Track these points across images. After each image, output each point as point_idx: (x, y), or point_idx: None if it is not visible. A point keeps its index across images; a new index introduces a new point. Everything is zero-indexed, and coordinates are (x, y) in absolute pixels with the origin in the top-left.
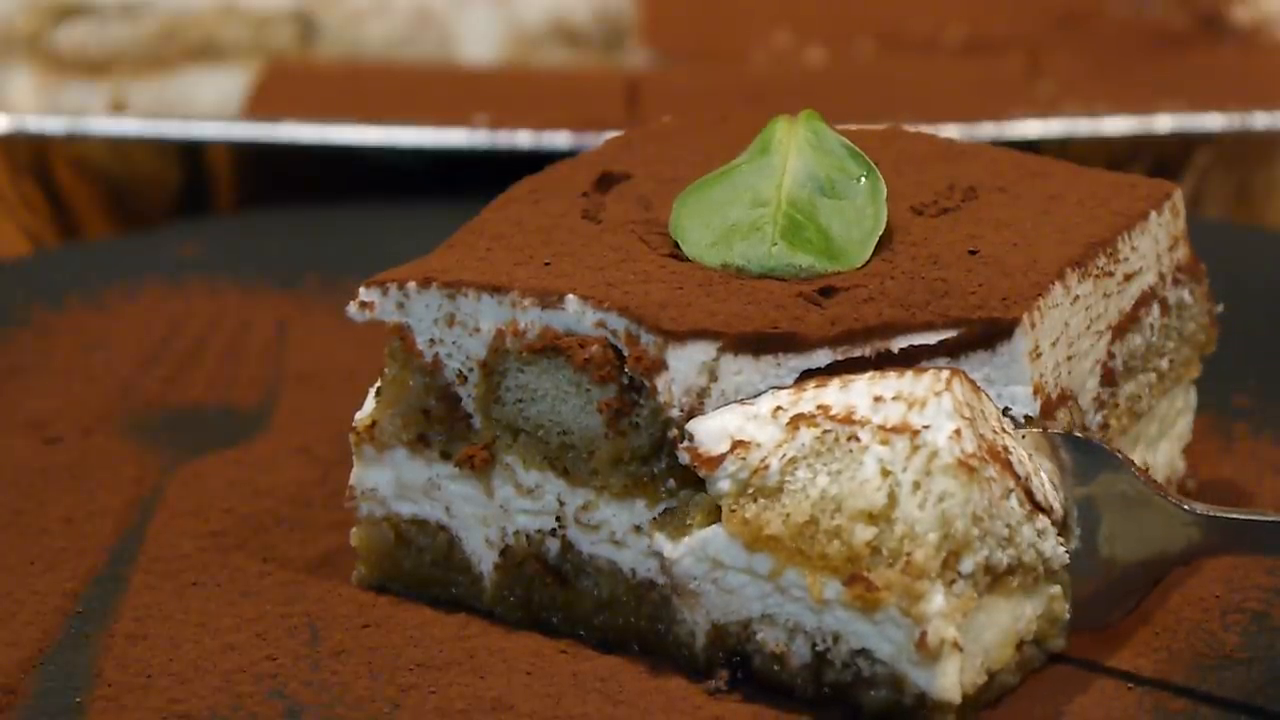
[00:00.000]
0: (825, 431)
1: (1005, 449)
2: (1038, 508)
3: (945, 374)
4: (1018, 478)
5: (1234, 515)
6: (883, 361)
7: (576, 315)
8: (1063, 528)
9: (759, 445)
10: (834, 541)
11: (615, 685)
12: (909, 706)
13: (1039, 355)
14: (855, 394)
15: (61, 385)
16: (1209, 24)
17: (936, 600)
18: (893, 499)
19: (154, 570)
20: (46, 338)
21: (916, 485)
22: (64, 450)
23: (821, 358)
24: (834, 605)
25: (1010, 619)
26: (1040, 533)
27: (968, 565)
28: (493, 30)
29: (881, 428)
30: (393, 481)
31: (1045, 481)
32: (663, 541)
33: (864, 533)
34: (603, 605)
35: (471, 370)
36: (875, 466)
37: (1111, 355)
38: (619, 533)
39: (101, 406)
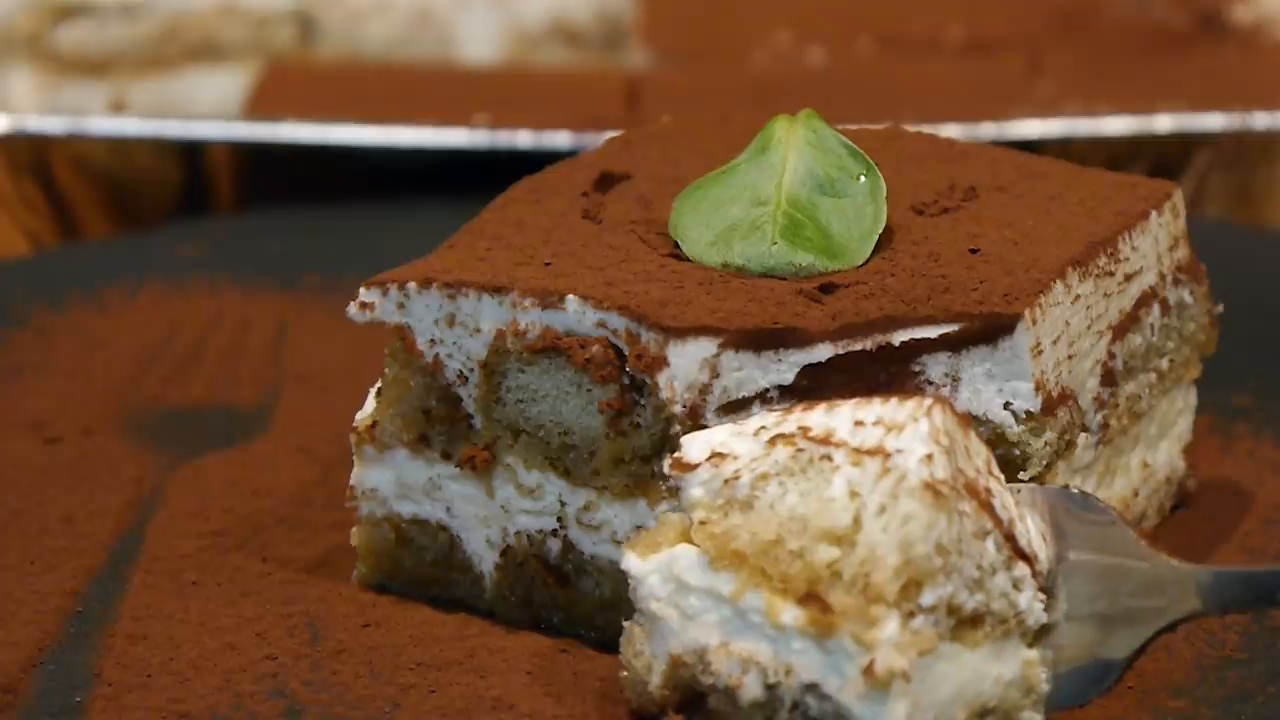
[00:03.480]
0: (800, 450)
1: (987, 490)
2: (1020, 554)
3: (928, 402)
4: (998, 520)
5: (1231, 570)
6: (883, 356)
7: (577, 315)
8: (1047, 591)
9: (735, 458)
10: (796, 562)
11: (615, 685)
12: None
13: (1040, 352)
14: (837, 417)
15: (61, 385)
16: (1209, 24)
17: (890, 628)
18: (857, 521)
19: (154, 570)
20: (46, 338)
21: (882, 508)
22: (64, 450)
23: (822, 352)
24: (790, 632)
25: (973, 676)
26: (1016, 583)
27: (928, 598)
28: (493, 30)
29: (856, 450)
30: (393, 481)
31: (1032, 529)
32: (632, 560)
33: (826, 553)
34: (604, 605)
35: (472, 370)
36: (844, 487)
37: (1112, 355)
38: (620, 533)
39: (101, 406)
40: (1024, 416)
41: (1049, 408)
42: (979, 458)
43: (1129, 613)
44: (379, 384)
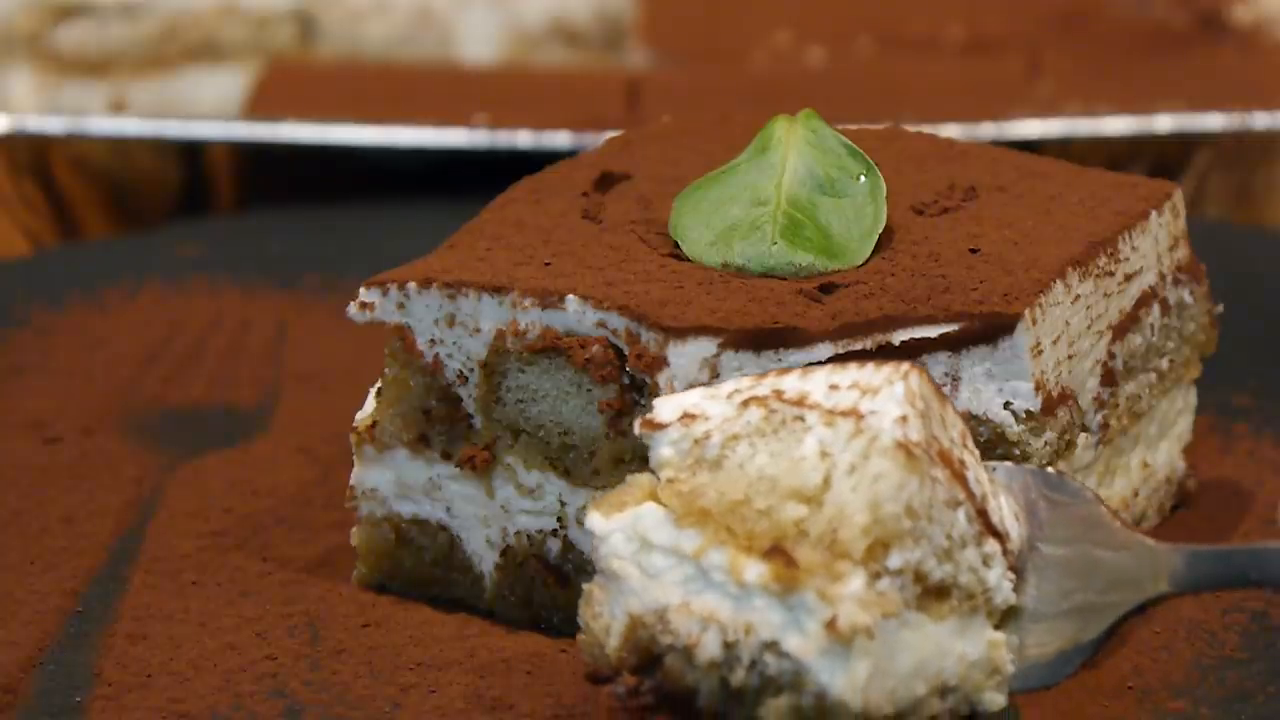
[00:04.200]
0: (772, 412)
1: (961, 462)
2: (991, 531)
3: (904, 366)
4: (971, 494)
5: (1204, 549)
6: (883, 355)
7: (577, 315)
8: (1017, 572)
9: (707, 418)
10: (763, 520)
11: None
12: (807, 711)
13: (1040, 352)
14: (812, 382)
15: (61, 385)
16: (1209, 24)
17: (855, 584)
18: (827, 481)
19: (154, 570)
20: (46, 338)
21: (853, 468)
22: (64, 450)
23: (822, 351)
24: (752, 589)
25: (936, 650)
26: (986, 559)
27: (895, 560)
28: (493, 30)
29: (830, 412)
30: (393, 481)
31: (1005, 508)
32: (595, 519)
33: (793, 511)
34: None
35: (472, 370)
36: (815, 447)
37: (1112, 355)
38: None
39: (101, 406)
40: (1024, 416)
41: (1049, 408)
42: (954, 429)
43: (1100, 605)
44: (379, 384)
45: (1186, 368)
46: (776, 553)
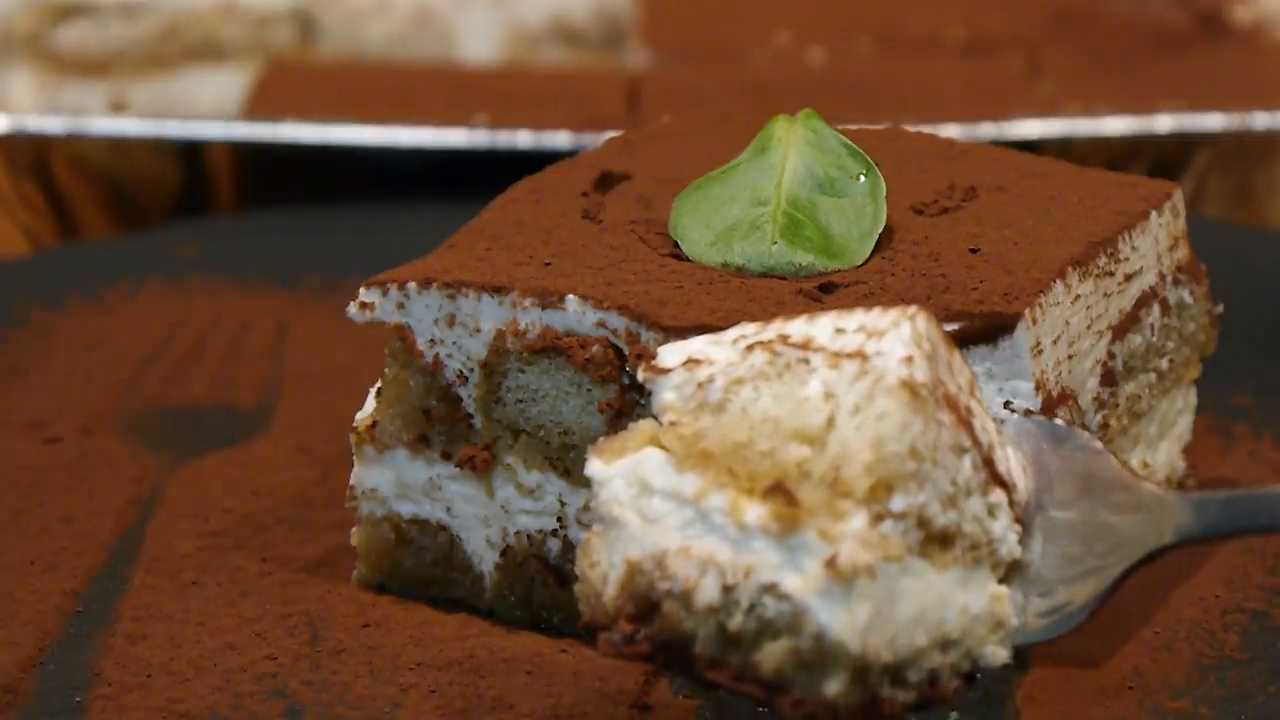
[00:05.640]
0: (777, 355)
1: (968, 409)
2: (998, 481)
3: (912, 309)
4: (977, 441)
5: (1211, 495)
6: None
7: (577, 315)
8: (1023, 525)
9: (711, 363)
10: (765, 461)
11: (615, 685)
12: (805, 655)
13: (1040, 352)
14: (818, 326)
15: (61, 385)
16: (1209, 24)
17: (856, 522)
18: (830, 421)
19: (154, 570)
20: (46, 338)
21: (857, 408)
22: (64, 450)
23: None
24: (752, 531)
25: (938, 600)
26: (991, 509)
27: (898, 503)
28: (493, 30)
29: (835, 354)
30: (393, 481)
31: (1012, 458)
32: (595, 465)
33: (796, 452)
34: None
35: (472, 370)
36: (819, 389)
37: (1112, 355)
38: None
39: (101, 406)
40: (1024, 416)
41: (1049, 407)
42: (962, 376)
43: (1105, 567)
44: (379, 384)
45: (1186, 368)
46: (777, 492)
